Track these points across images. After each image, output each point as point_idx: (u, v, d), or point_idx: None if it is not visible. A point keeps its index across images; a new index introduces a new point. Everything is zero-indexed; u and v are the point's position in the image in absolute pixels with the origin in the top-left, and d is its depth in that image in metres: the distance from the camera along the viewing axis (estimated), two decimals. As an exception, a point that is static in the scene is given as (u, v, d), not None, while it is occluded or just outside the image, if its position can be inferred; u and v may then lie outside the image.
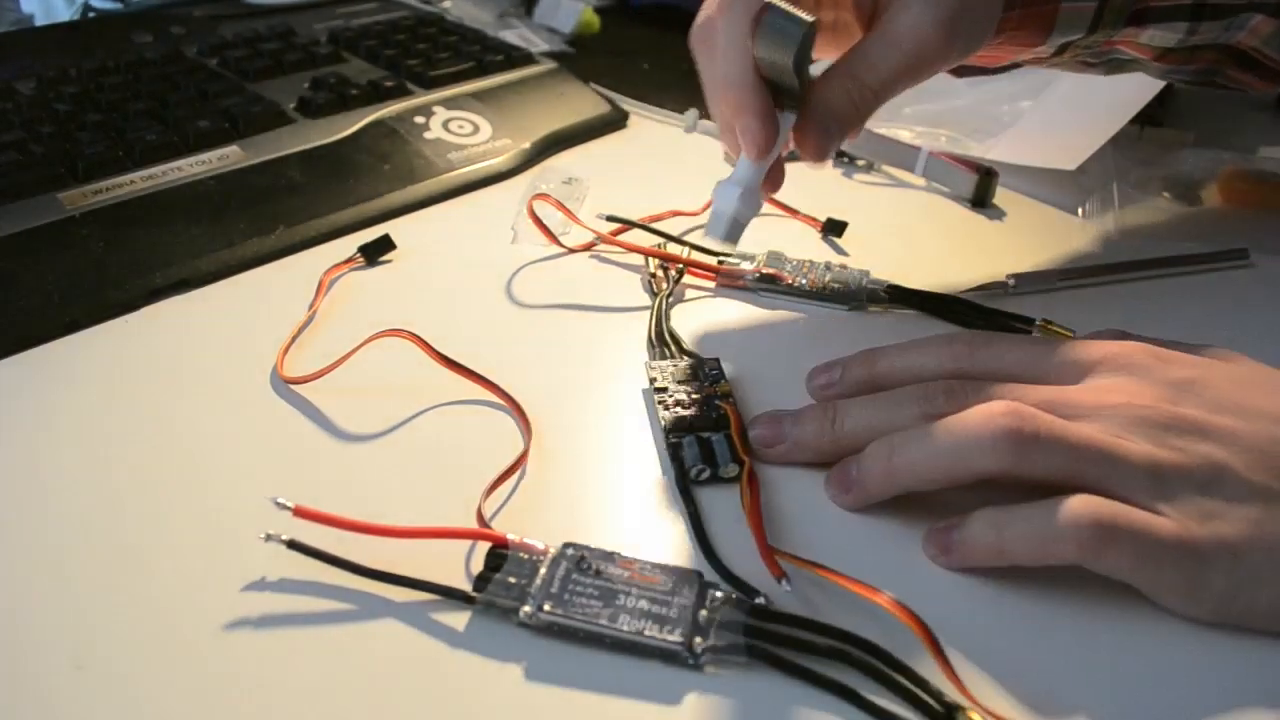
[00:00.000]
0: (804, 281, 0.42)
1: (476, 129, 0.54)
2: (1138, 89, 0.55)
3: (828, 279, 0.42)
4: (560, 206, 0.45)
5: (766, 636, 0.25)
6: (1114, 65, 0.45)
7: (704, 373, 0.35)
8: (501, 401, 0.34)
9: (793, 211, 0.49)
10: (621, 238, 0.45)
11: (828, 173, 0.54)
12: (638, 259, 0.44)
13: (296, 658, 0.25)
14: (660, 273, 0.42)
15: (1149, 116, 0.58)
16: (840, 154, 0.55)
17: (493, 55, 0.60)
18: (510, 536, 0.28)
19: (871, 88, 0.34)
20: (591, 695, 0.24)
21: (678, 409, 0.33)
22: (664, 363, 0.36)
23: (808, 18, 0.30)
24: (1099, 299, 0.43)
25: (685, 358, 0.36)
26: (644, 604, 0.26)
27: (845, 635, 0.25)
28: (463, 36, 0.63)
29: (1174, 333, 0.32)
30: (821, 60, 0.37)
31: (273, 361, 0.36)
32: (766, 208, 0.49)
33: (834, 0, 0.36)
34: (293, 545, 0.27)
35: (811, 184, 0.53)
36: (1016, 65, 0.44)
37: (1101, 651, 0.26)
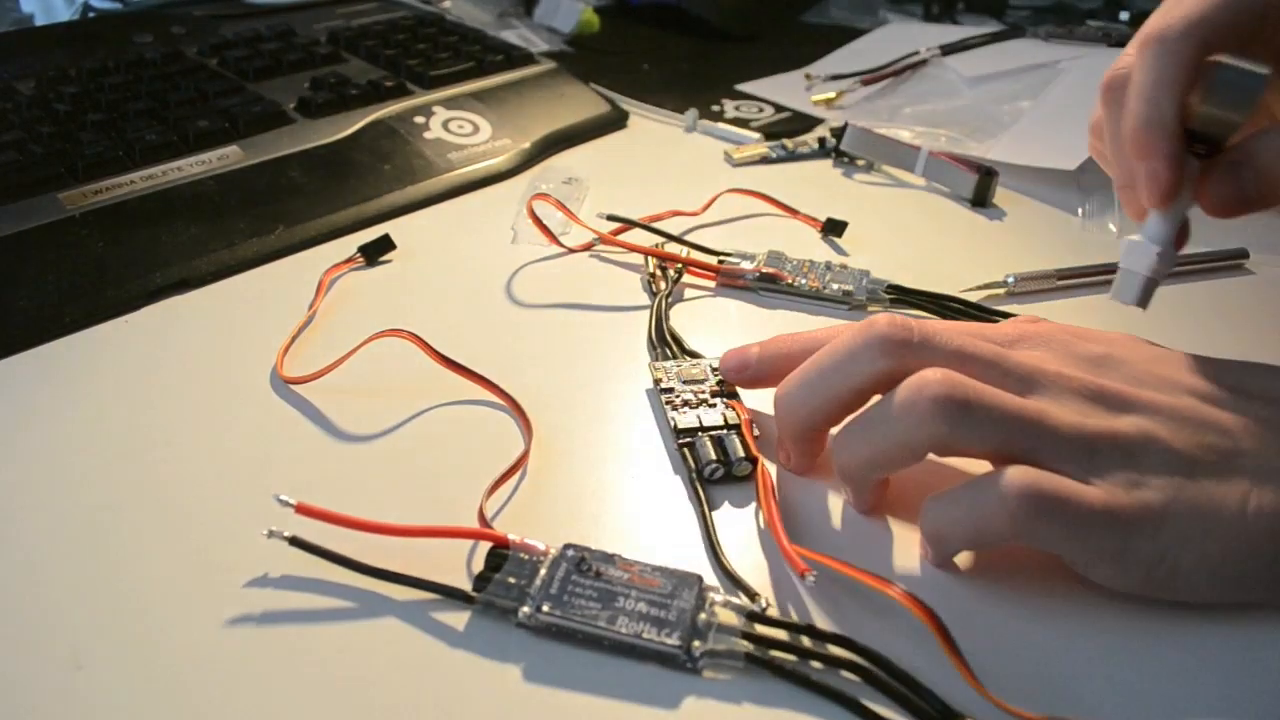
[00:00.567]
0: (804, 281, 0.42)
1: (476, 129, 0.54)
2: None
3: (828, 279, 0.42)
4: (560, 206, 0.45)
5: (766, 642, 0.25)
6: None
7: (708, 372, 0.35)
8: (501, 401, 0.34)
9: (793, 211, 0.49)
10: (621, 237, 0.45)
11: (828, 172, 0.54)
12: (637, 259, 0.44)
13: (297, 655, 0.25)
14: (660, 272, 0.43)
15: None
16: (840, 154, 0.55)
17: (493, 55, 0.60)
18: (511, 537, 0.28)
19: None
20: (589, 697, 0.24)
21: (686, 409, 0.33)
22: (669, 363, 0.36)
23: (1262, 70, 0.29)
24: (1099, 299, 0.43)
25: (688, 357, 0.37)
26: (643, 606, 0.26)
27: (845, 641, 0.25)
28: (463, 36, 0.63)
29: (1174, 333, 0.32)
30: None
31: (273, 361, 0.36)
32: (767, 208, 0.49)
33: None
34: (294, 542, 0.27)
35: (812, 184, 0.53)
36: None
37: (1117, 644, 0.26)
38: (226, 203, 0.44)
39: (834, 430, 0.30)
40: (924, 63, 0.67)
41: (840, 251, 0.46)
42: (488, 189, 0.51)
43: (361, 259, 0.43)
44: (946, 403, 0.26)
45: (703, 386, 0.34)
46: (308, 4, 0.67)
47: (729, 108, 0.63)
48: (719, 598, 0.26)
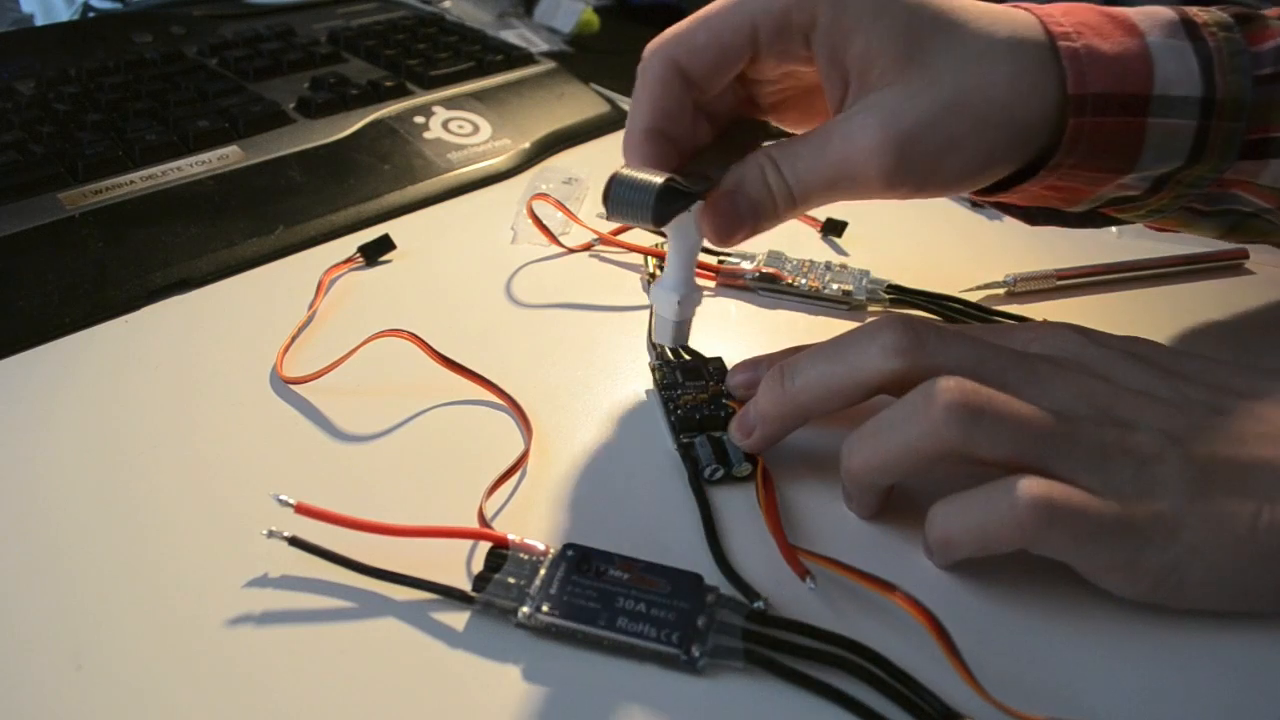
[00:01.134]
0: (804, 281, 0.42)
1: (476, 129, 0.54)
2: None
3: (827, 279, 0.42)
4: (560, 206, 0.45)
5: (765, 641, 0.25)
6: (1232, 221, 0.36)
7: (708, 372, 0.35)
8: (501, 401, 0.34)
9: (792, 211, 0.49)
10: (621, 237, 0.45)
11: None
12: (637, 259, 0.44)
13: (296, 655, 0.25)
14: (659, 272, 0.42)
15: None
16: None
17: (493, 55, 0.60)
18: (511, 537, 0.28)
19: (791, 186, 0.31)
20: (589, 697, 0.24)
21: (687, 409, 0.33)
22: (669, 363, 0.36)
23: (656, 179, 0.28)
24: (1099, 299, 0.43)
25: (688, 357, 0.36)
26: (642, 607, 0.26)
27: (845, 641, 0.25)
28: (463, 36, 0.63)
29: (1175, 333, 0.32)
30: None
31: (273, 361, 0.36)
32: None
33: (791, 74, 0.33)
34: (294, 542, 0.27)
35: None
36: (1104, 213, 0.37)
37: (1117, 645, 0.26)
38: (226, 203, 0.44)
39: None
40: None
41: (840, 251, 0.46)
42: (487, 189, 0.51)
43: (361, 259, 0.43)
44: (960, 410, 0.26)
45: (703, 386, 0.34)
46: (308, 4, 0.67)
47: (729, 108, 0.63)
48: (719, 598, 0.26)
